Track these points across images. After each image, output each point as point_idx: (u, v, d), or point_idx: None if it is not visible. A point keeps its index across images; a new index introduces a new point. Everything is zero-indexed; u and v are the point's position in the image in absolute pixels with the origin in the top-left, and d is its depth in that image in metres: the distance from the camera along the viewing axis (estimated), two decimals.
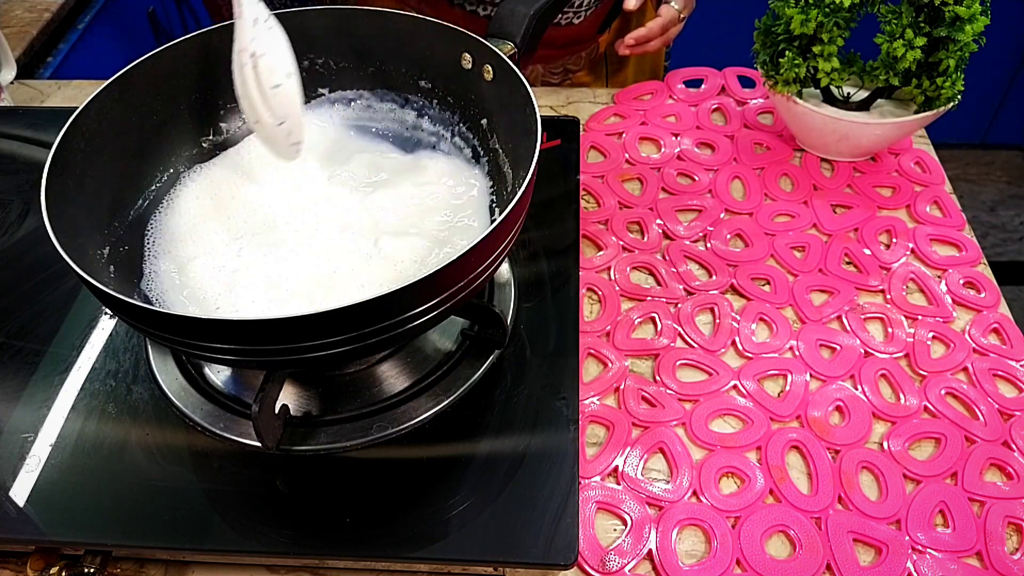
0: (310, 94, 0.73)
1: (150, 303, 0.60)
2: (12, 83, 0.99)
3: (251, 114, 0.61)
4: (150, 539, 0.55)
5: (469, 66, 0.66)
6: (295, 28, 0.69)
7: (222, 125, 0.71)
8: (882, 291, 0.74)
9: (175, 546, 0.56)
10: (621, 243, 0.78)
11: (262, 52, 0.59)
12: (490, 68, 0.64)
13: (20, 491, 0.57)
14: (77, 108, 0.59)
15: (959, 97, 0.77)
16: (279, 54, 0.60)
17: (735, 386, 0.66)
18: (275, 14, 0.68)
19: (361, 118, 0.74)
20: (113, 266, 0.60)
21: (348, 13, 0.69)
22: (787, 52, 0.78)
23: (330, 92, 0.73)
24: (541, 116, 0.57)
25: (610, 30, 1.06)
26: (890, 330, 0.70)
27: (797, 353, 0.68)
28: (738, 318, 0.71)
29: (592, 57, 1.08)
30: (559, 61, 1.06)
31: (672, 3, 0.93)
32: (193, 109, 0.69)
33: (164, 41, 0.65)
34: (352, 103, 0.74)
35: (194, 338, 0.49)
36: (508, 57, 0.62)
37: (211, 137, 0.71)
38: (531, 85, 0.58)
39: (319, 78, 0.72)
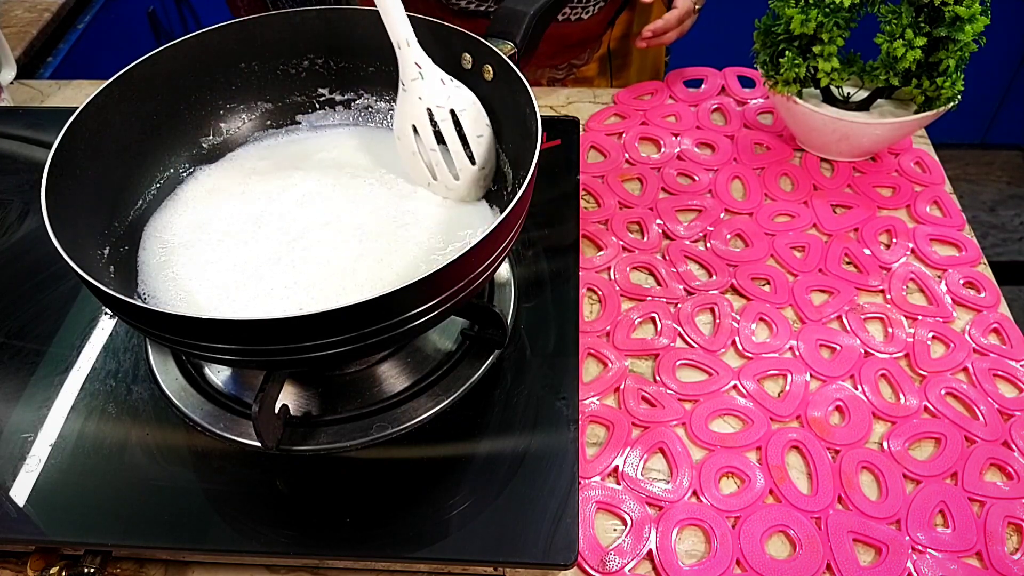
0: (311, 94, 0.73)
1: (149, 303, 0.60)
2: (12, 83, 0.99)
3: (447, 169, 0.65)
4: (150, 539, 0.55)
5: (469, 66, 0.66)
6: (295, 28, 0.69)
7: (222, 126, 0.71)
8: (882, 291, 0.74)
9: (175, 546, 0.56)
10: (621, 243, 0.78)
11: (463, 108, 0.64)
12: (490, 68, 0.64)
13: (20, 491, 0.57)
14: (77, 108, 0.59)
15: (959, 97, 0.77)
16: (477, 106, 0.65)
17: (735, 386, 0.66)
18: (276, 14, 0.68)
19: (361, 118, 0.74)
20: (113, 266, 0.60)
21: (348, 13, 0.69)
22: (787, 52, 0.78)
23: (330, 92, 0.73)
24: (541, 116, 0.57)
25: (614, 26, 1.06)
26: (890, 330, 0.70)
27: (797, 353, 0.68)
28: (738, 318, 0.71)
29: (598, 53, 1.08)
30: (565, 58, 1.06)
31: None
32: (193, 110, 0.69)
33: (164, 41, 0.66)
34: (352, 103, 0.74)
35: (194, 338, 0.49)
36: (508, 57, 0.62)
37: (211, 138, 0.71)
38: (535, 83, 0.59)
39: (319, 78, 0.72)
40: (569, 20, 1.00)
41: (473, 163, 0.65)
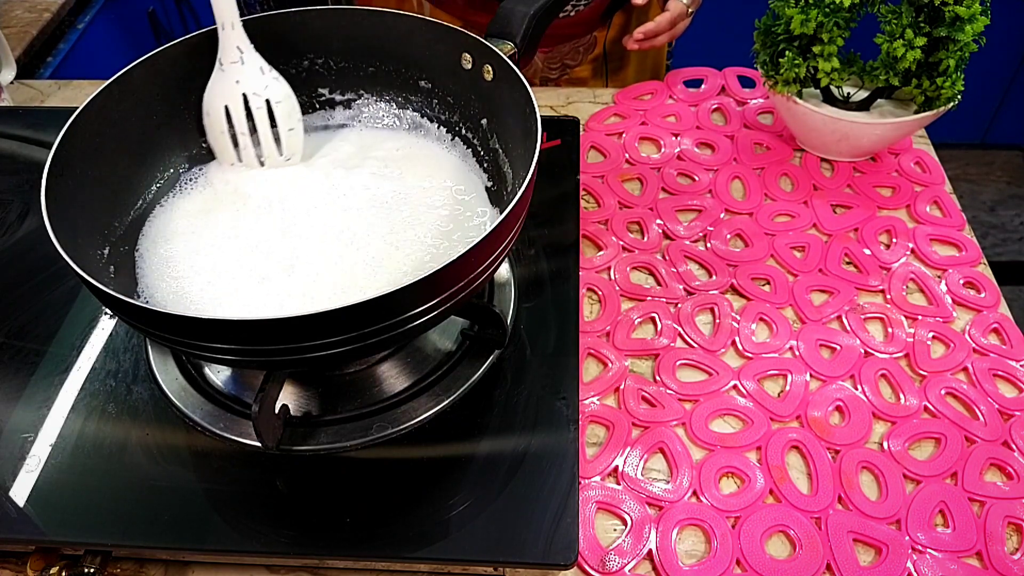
0: (311, 94, 0.73)
1: (149, 303, 0.60)
2: (12, 83, 0.99)
3: (253, 152, 0.68)
4: (150, 539, 0.55)
5: (469, 66, 0.66)
6: (295, 28, 0.69)
7: None
8: (882, 291, 0.74)
9: (175, 546, 0.56)
10: (621, 243, 0.78)
11: (278, 99, 0.66)
12: (490, 68, 0.64)
13: (20, 491, 0.57)
14: (77, 108, 0.59)
15: (959, 97, 0.77)
16: (292, 100, 0.67)
17: (735, 386, 0.66)
18: (276, 14, 0.68)
19: (361, 118, 0.74)
20: (113, 266, 0.60)
21: (347, 13, 0.69)
22: (787, 52, 0.78)
23: (330, 92, 0.73)
24: (541, 116, 0.57)
25: (610, 26, 1.06)
26: (890, 330, 0.70)
27: (797, 353, 0.68)
28: (738, 318, 0.71)
29: (592, 54, 1.08)
30: (556, 51, 1.06)
31: None
32: (193, 110, 0.69)
33: (164, 41, 0.66)
34: (352, 103, 0.74)
35: (194, 338, 0.49)
36: (508, 57, 0.62)
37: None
38: (530, 83, 0.59)
39: (319, 78, 0.72)
40: (563, 16, 1.00)
41: (280, 154, 0.68)
